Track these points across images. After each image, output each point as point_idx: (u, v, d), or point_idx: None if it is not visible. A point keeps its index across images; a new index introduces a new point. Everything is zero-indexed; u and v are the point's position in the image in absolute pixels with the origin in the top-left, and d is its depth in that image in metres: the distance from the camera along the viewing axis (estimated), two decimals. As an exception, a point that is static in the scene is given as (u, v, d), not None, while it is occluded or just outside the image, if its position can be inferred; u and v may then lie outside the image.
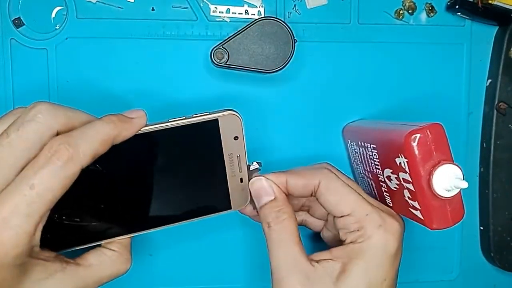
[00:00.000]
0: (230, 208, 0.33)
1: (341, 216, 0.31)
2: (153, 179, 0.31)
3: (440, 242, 0.43)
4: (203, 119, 0.29)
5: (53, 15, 0.37)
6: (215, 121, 0.30)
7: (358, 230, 0.30)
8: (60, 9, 0.37)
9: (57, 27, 0.37)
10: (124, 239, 0.31)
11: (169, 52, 0.38)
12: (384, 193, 0.36)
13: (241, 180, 0.32)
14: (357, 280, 0.29)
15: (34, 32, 0.37)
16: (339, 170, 0.34)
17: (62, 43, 0.37)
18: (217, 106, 0.32)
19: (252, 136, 0.40)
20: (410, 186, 0.31)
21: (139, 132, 0.29)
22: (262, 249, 0.32)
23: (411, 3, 0.40)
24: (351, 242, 0.30)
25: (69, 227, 0.30)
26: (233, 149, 0.31)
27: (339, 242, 0.32)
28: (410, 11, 0.41)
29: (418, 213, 0.31)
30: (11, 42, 0.37)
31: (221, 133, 0.30)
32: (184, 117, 0.29)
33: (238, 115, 0.30)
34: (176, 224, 0.32)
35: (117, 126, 0.27)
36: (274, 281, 0.30)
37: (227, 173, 0.31)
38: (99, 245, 0.31)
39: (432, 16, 0.41)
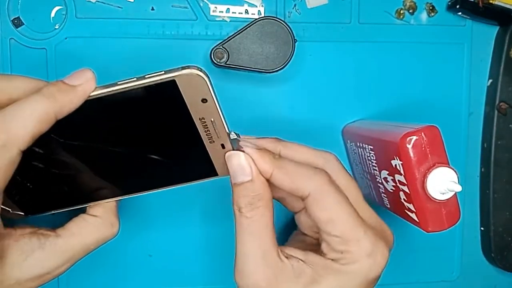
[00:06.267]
0: (216, 174, 0.30)
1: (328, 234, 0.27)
2: (120, 145, 0.28)
3: (440, 242, 0.43)
4: (158, 80, 0.26)
5: (52, 14, 0.37)
6: (173, 82, 0.26)
7: (342, 252, 0.27)
8: (60, 8, 0.37)
9: (57, 27, 0.37)
10: (107, 202, 0.30)
11: (169, 52, 0.38)
12: (382, 195, 0.36)
13: (223, 146, 0.29)
14: None
15: (34, 32, 0.37)
16: (343, 167, 0.30)
17: (61, 42, 0.37)
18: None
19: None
20: (406, 189, 0.31)
21: (90, 98, 0.26)
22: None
23: (412, 3, 0.40)
24: (332, 260, 0.27)
25: (39, 193, 0.29)
26: (204, 113, 0.27)
27: (317, 245, 0.29)
28: (410, 11, 0.40)
29: (413, 216, 0.31)
30: (10, 42, 0.37)
31: (184, 95, 0.26)
32: (135, 78, 0.26)
33: (201, 75, 0.26)
34: (159, 189, 0.30)
35: (58, 100, 0.24)
36: (238, 272, 0.27)
37: (203, 139, 0.28)
38: (83, 213, 0.30)
39: (432, 16, 0.41)
